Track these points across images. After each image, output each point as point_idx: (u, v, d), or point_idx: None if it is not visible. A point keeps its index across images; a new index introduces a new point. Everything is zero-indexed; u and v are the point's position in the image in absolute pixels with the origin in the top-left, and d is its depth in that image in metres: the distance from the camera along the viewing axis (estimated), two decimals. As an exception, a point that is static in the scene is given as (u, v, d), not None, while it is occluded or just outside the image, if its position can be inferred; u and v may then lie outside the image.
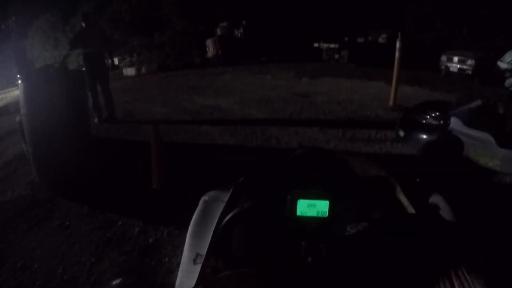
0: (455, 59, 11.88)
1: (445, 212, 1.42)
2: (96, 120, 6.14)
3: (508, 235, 2.64)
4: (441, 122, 4.62)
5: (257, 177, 1.46)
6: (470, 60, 11.43)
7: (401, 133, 4.95)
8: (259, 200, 1.21)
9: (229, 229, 1.16)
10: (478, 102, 4.60)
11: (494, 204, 3.21)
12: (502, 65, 6.50)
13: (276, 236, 1.10)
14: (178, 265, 1.38)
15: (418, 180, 1.64)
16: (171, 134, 5.48)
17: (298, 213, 1.01)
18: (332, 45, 14.09)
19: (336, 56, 13.96)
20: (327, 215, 1.01)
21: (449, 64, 12.11)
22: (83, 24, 6.01)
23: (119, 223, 3.15)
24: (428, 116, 4.79)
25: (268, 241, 1.10)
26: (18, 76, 3.74)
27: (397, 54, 6.66)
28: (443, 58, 12.39)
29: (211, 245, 1.18)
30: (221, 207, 1.41)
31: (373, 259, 1.02)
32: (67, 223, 3.16)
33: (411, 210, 1.31)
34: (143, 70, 14.65)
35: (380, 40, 14.39)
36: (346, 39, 14.06)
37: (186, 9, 17.66)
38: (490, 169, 4.20)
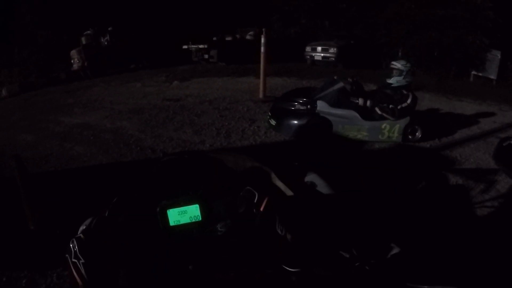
0: (319, 48, 12.90)
1: (322, 187, 1.52)
2: None
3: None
4: (308, 106, 4.91)
5: (129, 195, 1.36)
6: (332, 49, 12.54)
7: (273, 122, 5.18)
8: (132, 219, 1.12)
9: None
10: (340, 85, 5.00)
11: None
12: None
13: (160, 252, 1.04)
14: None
15: (296, 163, 1.71)
16: (40, 163, 4.76)
17: (171, 223, 0.99)
18: (201, 46, 14.00)
19: (206, 56, 13.93)
20: (200, 218, 1.00)
21: (313, 54, 13.10)
22: None
23: (4, 279, 2.67)
24: (295, 103, 5.05)
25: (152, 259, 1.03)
26: None
27: (262, 49, 7.01)
28: (308, 48, 13.34)
29: None
30: None
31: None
32: None
33: (289, 192, 1.36)
34: (4, 92, 12.63)
35: (248, 37, 14.86)
36: (214, 38, 14.11)
37: (48, 17, 15.81)
38: (360, 140, 4.84)
